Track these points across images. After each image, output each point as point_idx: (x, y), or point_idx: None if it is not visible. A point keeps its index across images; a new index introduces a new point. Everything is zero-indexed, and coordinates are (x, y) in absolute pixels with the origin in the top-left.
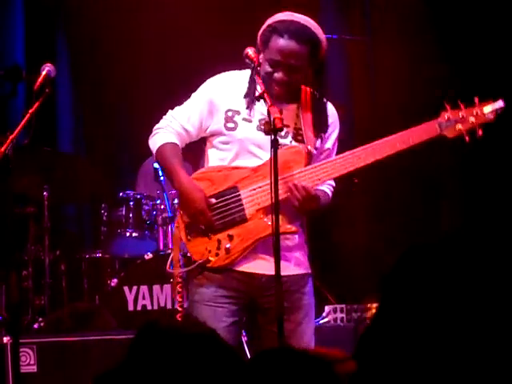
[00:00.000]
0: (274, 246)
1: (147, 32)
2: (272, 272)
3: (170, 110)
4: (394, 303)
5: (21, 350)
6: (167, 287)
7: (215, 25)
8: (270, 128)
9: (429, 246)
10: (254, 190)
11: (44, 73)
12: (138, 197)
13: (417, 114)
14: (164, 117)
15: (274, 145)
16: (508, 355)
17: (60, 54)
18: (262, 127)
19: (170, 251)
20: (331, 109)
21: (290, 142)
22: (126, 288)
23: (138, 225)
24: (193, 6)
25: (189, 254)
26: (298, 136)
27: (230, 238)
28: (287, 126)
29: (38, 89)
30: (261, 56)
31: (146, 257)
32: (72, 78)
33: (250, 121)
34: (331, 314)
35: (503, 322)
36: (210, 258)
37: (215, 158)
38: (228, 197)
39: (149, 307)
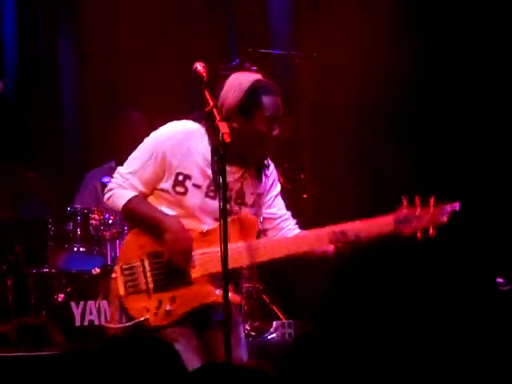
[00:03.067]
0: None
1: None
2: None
3: (119, 168)
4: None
5: None
6: None
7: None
8: (219, 142)
9: None
10: (203, 254)
11: None
12: (86, 211)
13: (367, 132)
14: (115, 175)
15: (223, 159)
16: None
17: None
18: (211, 194)
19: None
20: (272, 165)
21: (230, 205)
22: (73, 303)
23: (85, 240)
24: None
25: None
26: (238, 199)
27: (172, 299)
28: (231, 190)
29: None
30: (245, 122)
31: (93, 272)
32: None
33: (200, 187)
34: (279, 330)
35: None
36: (148, 317)
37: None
38: None
39: (96, 322)
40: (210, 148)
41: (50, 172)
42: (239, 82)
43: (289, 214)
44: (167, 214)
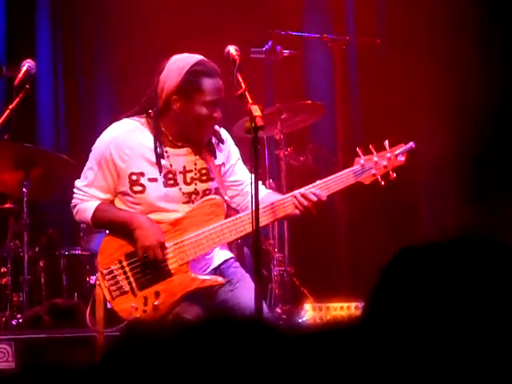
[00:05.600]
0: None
1: (134, 23)
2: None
3: (76, 183)
4: (390, 298)
5: None
6: None
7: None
8: (251, 126)
9: (422, 250)
10: (176, 244)
11: (24, 69)
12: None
13: (404, 116)
14: (74, 191)
15: (255, 143)
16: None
17: (41, 48)
18: (170, 182)
19: None
20: (225, 133)
21: (195, 185)
22: None
23: None
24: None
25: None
26: (202, 177)
27: (157, 294)
28: (190, 172)
29: (18, 85)
30: (185, 105)
31: None
32: (53, 74)
33: (156, 180)
34: (310, 312)
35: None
36: (138, 316)
37: None
38: None
39: None
40: (152, 138)
41: (81, 156)
42: (178, 64)
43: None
44: (133, 213)
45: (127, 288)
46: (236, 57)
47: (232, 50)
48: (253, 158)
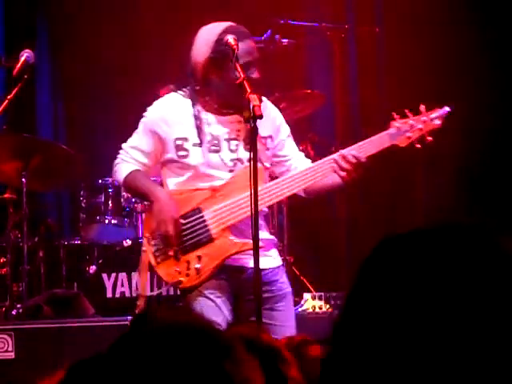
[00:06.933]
0: (253, 249)
1: (133, 16)
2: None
3: (123, 145)
4: (369, 291)
5: None
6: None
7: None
8: (250, 116)
9: (406, 237)
10: (218, 210)
11: (23, 59)
12: (117, 184)
13: (400, 104)
14: (120, 151)
15: (254, 133)
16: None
17: (40, 38)
18: (213, 148)
19: None
20: (267, 104)
21: (239, 153)
22: (104, 275)
23: (116, 212)
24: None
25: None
26: (246, 145)
27: (199, 258)
28: (233, 139)
29: (17, 75)
30: (221, 74)
31: (124, 244)
32: (52, 63)
33: (200, 145)
34: (310, 302)
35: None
36: (181, 279)
37: (173, 182)
38: (192, 218)
39: (127, 294)
40: (194, 107)
41: (81, 145)
42: (205, 36)
43: (302, 154)
44: (156, 186)
45: (171, 253)
46: (234, 46)
47: (230, 39)
48: (252, 147)
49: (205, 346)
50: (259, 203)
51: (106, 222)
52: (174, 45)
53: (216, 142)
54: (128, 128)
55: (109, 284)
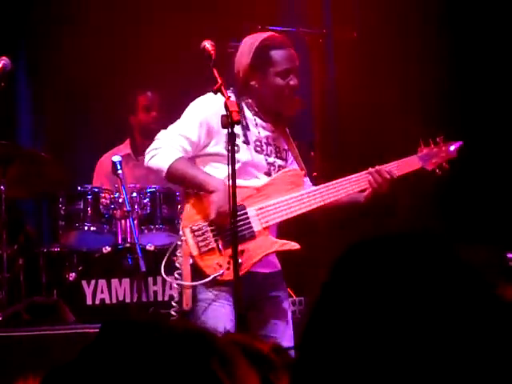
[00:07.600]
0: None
1: (110, 23)
2: (267, 270)
3: (162, 130)
4: (334, 297)
5: None
6: (126, 281)
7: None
8: (228, 121)
9: (370, 243)
10: (261, 208)
11: (0, 66)
12: (96, 190)
13: (379, 109)
14: (158, 136)
15: (232, 138)
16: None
17: (19, 45)
18: (258, 148)
19: (128, 245)
20: None
21: (275, 158)
22: (84, 282)
23: (96, 218)
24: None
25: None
26: (278, 153)
27: (241, 253)
28: (270, 145)
29: None
30: (261, 80)
31: (104, 250)
32: (31, 70)
33: (249, 143)
34: (290, 307)
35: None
36: (222, 272)
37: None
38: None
39: (107, 301)
40: (242, 107)
41: (60, 152)
42: (248, 44)
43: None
44: (214, 177)
45: (214, 245)
46: (212, 52)
47: (208, 44)
48: (231, 152)
49: (189, 352)
50: (298, 207)
51: (85, 228)
52: (153, 53)
53: (259, 143)
54: (106, 136)
55: (88, 291)
